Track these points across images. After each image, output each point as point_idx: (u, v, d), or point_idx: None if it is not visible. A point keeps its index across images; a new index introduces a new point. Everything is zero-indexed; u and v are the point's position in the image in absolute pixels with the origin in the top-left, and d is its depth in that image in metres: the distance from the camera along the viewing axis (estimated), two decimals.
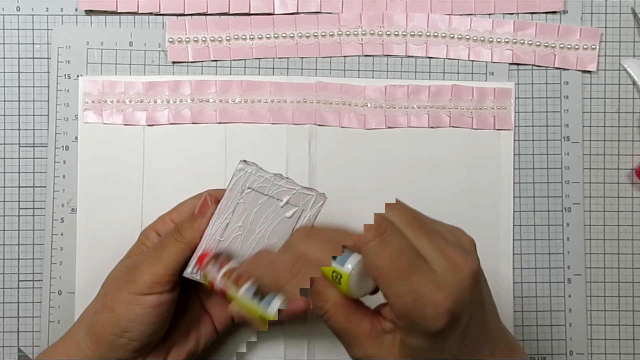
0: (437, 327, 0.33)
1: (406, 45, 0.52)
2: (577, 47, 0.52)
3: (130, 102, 0.51)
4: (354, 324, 0.36)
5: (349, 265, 0.36)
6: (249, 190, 0.42)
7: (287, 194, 0.42)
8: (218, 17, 0.52)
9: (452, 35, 0.52)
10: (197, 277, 0.42)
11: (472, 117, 0.52)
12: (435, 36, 0.52)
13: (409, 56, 0.52)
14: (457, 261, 0.34)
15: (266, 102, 0.51)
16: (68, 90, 0.51)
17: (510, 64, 0.53)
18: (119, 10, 0.52)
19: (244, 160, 0.42)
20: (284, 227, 0.42)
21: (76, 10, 0.52)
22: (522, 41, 0.52)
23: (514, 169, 0.52)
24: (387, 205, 0.36)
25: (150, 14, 0.52)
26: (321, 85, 0.52)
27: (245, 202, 0.42)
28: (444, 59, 0.53)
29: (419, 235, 0.35)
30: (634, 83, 0.53)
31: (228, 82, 0.51)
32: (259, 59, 0.52)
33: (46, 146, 0.52)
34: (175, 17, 0.52)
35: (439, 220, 0.37)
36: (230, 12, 0.52)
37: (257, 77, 0.52)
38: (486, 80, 0.53)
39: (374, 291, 0.37)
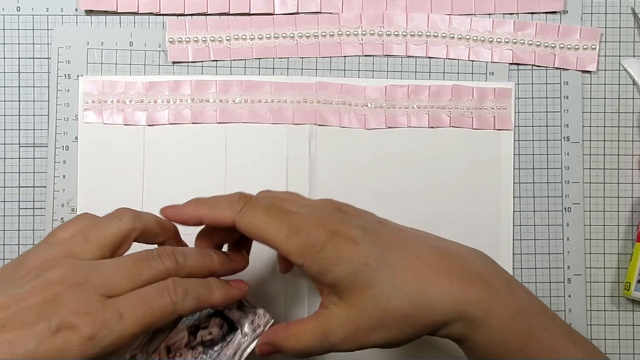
0: (321, 239, 0.36)
1: (406, 45, 0.52)
2: (577, 47, 0.52)
3: (130, 102, 0.51)
4: (309, 339, 0.38)
5: None
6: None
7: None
8: (218, 17, 0.52)
9: (452, 35, 0.52)
10: None
11: (472, 117, 0.52)
12: (435, 36, 0.52)
13: (409, 56, 0.52)
14: (313, 202, 0.41)
15: (266, 102, 0.51)
16: (68, 90, 0.52)
17: (510, 64, 0.53)
18: (119, 10, 0.52)
19: None
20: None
21: (76, 10, 0.52)
22: (522, 41, 0.52)
23: (514, 169, 0.52)
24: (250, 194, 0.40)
25: (151, 14, 0.52)
26: (321, 85, 0.52)
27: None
28: (444, 59, 0.53)
29: (283, 201, 0.40)
30: (634, 83, 0.53)
31: (228, 82, 0.52)
32: (259, 59, 0.52)
33: (46, 146, 0.52)
34: (175, 17, 0.52)
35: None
36: (230, 12, 0.52)
37: (257, 77, 0.52)
38: (486, 80, 0.53)
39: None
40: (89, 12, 0.52)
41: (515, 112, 0.52)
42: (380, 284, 0.36)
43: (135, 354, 0.40)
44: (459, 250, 0.39)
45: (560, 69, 0.53)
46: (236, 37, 0.52)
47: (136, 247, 0.39)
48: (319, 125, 0.51)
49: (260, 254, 0.50)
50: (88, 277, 0.35)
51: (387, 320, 0.37)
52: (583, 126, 0.53)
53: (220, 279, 0.40)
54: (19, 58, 0.52)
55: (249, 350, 0.41)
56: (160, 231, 0.40)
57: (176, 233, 0.41)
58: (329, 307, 0.38)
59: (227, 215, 0.38)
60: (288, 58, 0.52)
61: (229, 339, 0.41)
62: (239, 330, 0.41)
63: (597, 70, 0.53)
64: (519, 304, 0.37)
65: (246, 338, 0.41)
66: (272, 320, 0.42)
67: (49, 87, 0.52)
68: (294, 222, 0.37)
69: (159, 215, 0.40)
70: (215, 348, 0.41)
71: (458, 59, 0.53)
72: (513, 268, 0.52)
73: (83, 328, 0.33)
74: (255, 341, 0.41)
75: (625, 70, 0.53)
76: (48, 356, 0.33)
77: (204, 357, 0.41)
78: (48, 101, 0.52)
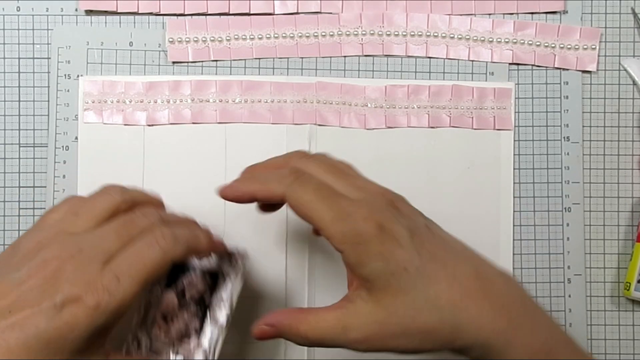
0: (367, 231, 0.35)
1: (406, 45, 0.52)
2: (577, 47, 0.52)
3: (130, 102, 0.51)
4: (326, 330, 0.37)
5: None
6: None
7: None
8: (218, 17, 0.52)
9: (452, 35, 0.52)
10: None
11: (472, 117, 0.52)
12: (435, 36, 0.52)
13: (409, 56, 0.52)
14: (368, 188, 0.38)
15: (266, 102, 0.51)
16: (68, 91, 0.52)
17: (510, 64, 0.53)
18: (119, 10, 0.52)
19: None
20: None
21: (76, 10, 0.52)
22: (522, 41, 0.52)
23: (514, 169, 0.52)
24: (307, 157, 0.40)
25: (151, 14, 0.52)
26: (321, 85, 0.52)
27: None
28: (444, 59, 0.53)
29: (337, 178, 0.38)
30: (634, 83, 0.53)
31: (228, 82, 0.52)
32: (259, 59, 0.52)
33: (46, 146, 0.52)
34: (175, 17, 0.52)
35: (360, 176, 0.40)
36: (230, 12, 0.52)
37: (257, 77, 0.52)
38: (486, 80, 0.53)
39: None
40: (89, 12, 0.52)
41: (515, 112, 0.52)
42: (415, 292, 0.35)
43: (136, 334, 0.42)
44: (494, 277, 0.38)
45: (560, 69, 0.53)
46: (236, 37, 0.52)
47: None
48: (319, 125, 0.51)
49: (260, 252, 0.50)
50: (81, 248, 0.36)
51: (412, 330, 0.36)
52: (583, 126, 0.53)
53: (204, 228, 0.41)
54: (19, 58, 0.52)
55: (238, 289, 0.42)
56: (147, 201, 0.41)
57: (162, 204, 0.42)
58: (356, 301, 0.36)
59: (279, 191, 0.37)
60: (288, 58, 0.52)
61: (215, 287, 0.43)
62: (222, 275, 0.43)
63: (597, 70, 0.53)
64: (542, 340, 0.37)
65: (230, 279, 0.42)
66: (245, 251, 0.43)
67: (49, 87, 0.52)
68: (343, 208, 0.36)
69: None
70: (207, 300, 0.42)
71: (458, 59, 0.53)
72: (513, 268, 0.52)
73: (87, 298, 0.34)
74: (240, 278, 0.42)
75: (625, 70, 0.53)
76: (59, 333, 0.33)
77: (199, 311, 0.42)
78: (48, 101, 0.52)
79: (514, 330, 0.36)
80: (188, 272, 0.43)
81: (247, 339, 0.51)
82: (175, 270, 0.43)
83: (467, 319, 0.35)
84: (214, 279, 0.43)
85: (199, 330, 0.42)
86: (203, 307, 0.42)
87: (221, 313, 0.42)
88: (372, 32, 0.52)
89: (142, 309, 0.42)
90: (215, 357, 0.41)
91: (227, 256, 0.43)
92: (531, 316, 0.37)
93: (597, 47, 0.52)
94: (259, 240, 0.51)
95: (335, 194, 0.37)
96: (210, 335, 0.41)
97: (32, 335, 0.33)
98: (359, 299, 0.36)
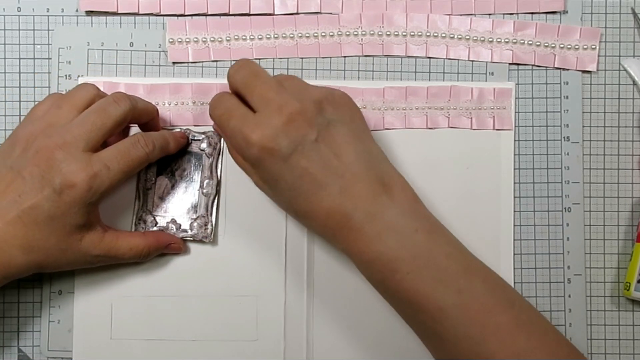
0: (253, 155, 0.43)
1: (406, 45, 0.52)
2: (577, 47, 0.52)
3: None
4: None
5: None
6: None
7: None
8: (218, 17, 0.52)
9: (452, 36, 0.52)
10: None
11: (472, 118, 0.52)
12: (435, 36, 0.52)
13: (408, 56, 0.52)
14: (276, 104, 0.43)
15: None
16: None
17: (510, 64, 0.53)
18: (119, 11, 0.52)
19: None
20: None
21: (77, 11, 0.52)
22: (522, 41, 0.52)
23: (514, 169, 0.52)
24: (237, 66, 0.46)
25: (151, 14, 0.52)
26: None
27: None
28: (444, 59, 0.53)
29: (252, 92, 0.44)
30: (634, 83, 0.53)
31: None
32: (259, 59, 0.52)
33: None
34: (175, 17, 0.52)
35: (294, 80, 0.46)
36: (230, 13, 0.52)
37: None
38: (486, 81, 0.53)
39: None
40: (90, 13, 0.52)
41: (515, 112, 0.52)
42: (283, 197, 0.45)
43: (141, 216, 0.50)
44: (362, 193, 0.43)
45: (560, 69, 0.53)
46: (236, 37, 0.52)
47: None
48: None
49: (263, 238, 0.50)
50: (65, 139, 0.43)
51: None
52: (583, 126, 0.53)
53: (168, 131, 0.50)
54: (20, 58, 0.52)
55: (220, 165, 0.51)
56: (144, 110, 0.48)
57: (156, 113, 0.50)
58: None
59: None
60: (288, 58, 0.52)
61: (199, 165, 0.50)
62: (203, 154, 0.50)
63: (597, 70, 0.53)
64: (381, 250, 0.43)
65: (212, 157, 0.51)
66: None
67: (49, 87, 0.52)
68: (233, 129, 0.44)
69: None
70: (195, 177, 0.50)
71: (458, 59, 0.53)
72: (513, 268, 0.52)
73: (81, 184, 0.42)
74: (221, 155, 0.51)
75: (625, 70, 0.53)
76: (60, 211, 0.43)
77: (190, 187, 0.50)
78: None
79: (350, 241, 0.43)
80: (175, 156, 0.50)
81: (247, 338, 0.51)
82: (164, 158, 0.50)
83: (314, 226, 0.45)
84: (196, 157, 0.51)
85: (194, 202, 0.50)
86: (193, 183, 0.50)
87: (208, 184, 0.50)
88: (372, 32, 0.52)
89: (141, 196, 0.50)
90: (213, 219, 0.50)
91: (205, 137, 0.51)
92: (378, 230, 0.43)
93: (597, 47, 0.52)
94: (258, 241, 0.51)
95: (232, 114, 0.44)
96: (204, 203, 0.50)
97: (41, 215, 0.43)
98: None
